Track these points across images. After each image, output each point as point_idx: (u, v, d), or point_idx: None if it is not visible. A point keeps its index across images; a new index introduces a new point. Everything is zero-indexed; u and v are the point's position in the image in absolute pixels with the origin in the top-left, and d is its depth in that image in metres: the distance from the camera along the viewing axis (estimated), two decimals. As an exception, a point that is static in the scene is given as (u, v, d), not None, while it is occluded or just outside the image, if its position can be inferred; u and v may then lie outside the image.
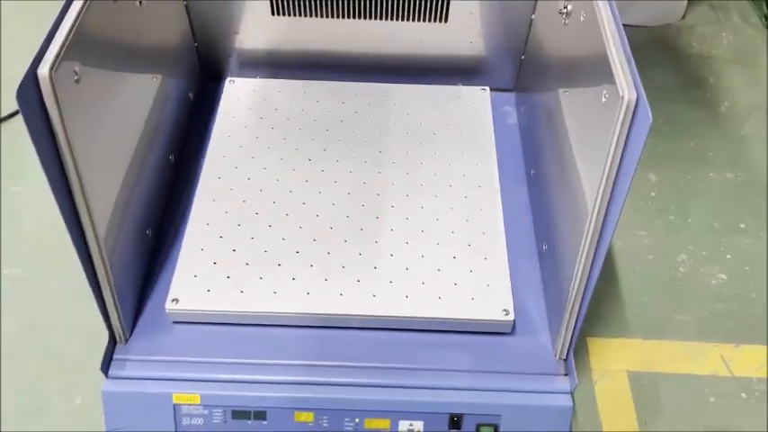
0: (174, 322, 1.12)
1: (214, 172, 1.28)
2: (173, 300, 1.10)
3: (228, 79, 1.46)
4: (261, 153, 1.32)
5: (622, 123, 0.84)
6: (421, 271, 1.15)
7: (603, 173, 0.88)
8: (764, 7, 2.07)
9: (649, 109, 0.79)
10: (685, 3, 2.07)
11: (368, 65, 1.48)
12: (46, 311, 1.34)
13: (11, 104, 1.69)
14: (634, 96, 0.82)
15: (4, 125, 1.67)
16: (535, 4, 1.36)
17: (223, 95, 1.43)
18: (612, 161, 0.86)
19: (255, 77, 1.51)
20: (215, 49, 1.47)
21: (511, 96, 1.53)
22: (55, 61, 0.82)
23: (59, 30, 0.86)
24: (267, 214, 1.22)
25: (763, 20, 2.08)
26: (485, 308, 1.11)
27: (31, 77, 0.80)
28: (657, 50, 1.98)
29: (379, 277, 1.14)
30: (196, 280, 1.12)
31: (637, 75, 0.84)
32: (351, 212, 1.23)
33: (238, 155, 1.31)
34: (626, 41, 0.89)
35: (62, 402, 1.22)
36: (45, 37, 0.85)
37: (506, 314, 1.10)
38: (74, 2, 0.90)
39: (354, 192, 1.26)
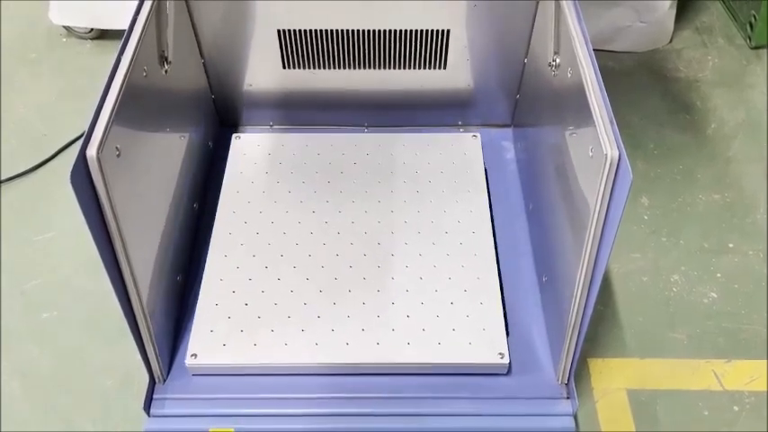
0: (194, 375, 1.20)
1: (225, 228, 1.37)
2: (192, 355, 1.19)
3: (234, 135, 1.55)
4: (268, 207, 1.40)
5: (606, 177, 0.94)
6: (421, 318, 1.23)
7: (593, 220, 0.98)
8: (748, 29, 2.17)
9: (630, 167, 0.89)
10: (672, 27, 2.16)
11: (375, 108, 1.58)
12: (82, 351, 1.44)
13: (16, 156, 1.80)
14: (616, 154, 0.92)
15: (35, 174, 1.78)
16: (527, 50, 1.47)
17: (230, 151, 1.51)
18: (600, 210, 0.96)
19: (269, 123, 1.61)
20: (231, 100, 1.57)
21: (508, 132, 1.63)
22: (101, 142, 0.92)
23: (102, 111, 0.97)
24: (276, 267, 1.30)
25: (748, 41, 2.17)
26: (482, 352, 1.19)
27: (81, 159, 0.91)
28: (645, 75, 2.07)
29: (382, 325, 1.22)
30: (212, 335, 1.21)
31: (618, 134, 0.94)
32: (354, 262, 1.31)
33: (247, 210, 1.40)
34: (608, 102, 0.99)
35: (103, 437, 1.32)
36: (90, 120, 0.95)
37: (501, 357, 1.19)
38: (113, 84, 1.01)
39: (356, 242, 1.35)
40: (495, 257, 1.33)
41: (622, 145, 0.92)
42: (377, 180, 1.46)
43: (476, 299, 1.26)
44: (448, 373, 1.20)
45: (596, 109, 0.98)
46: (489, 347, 1.19)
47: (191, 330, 1.26)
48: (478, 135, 1.56)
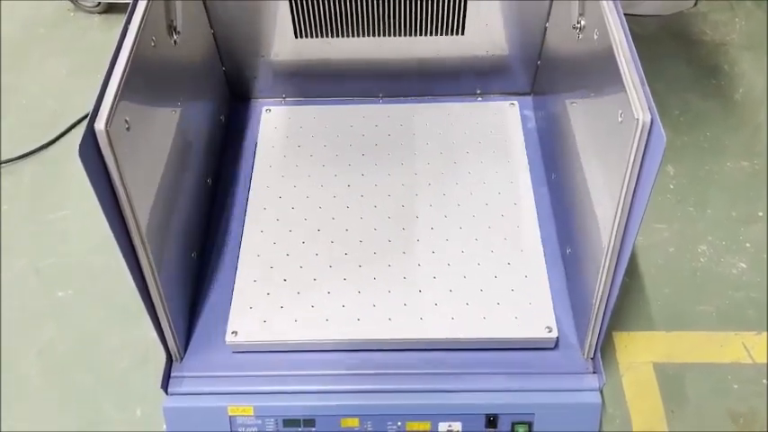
0: (234, 352, 1.18)
1: (260, 203, 1.34)
2: (232, 332, 1.16)
3: (265, 108, 1.51)
4: (302, 181, 1.37)
5: (638, 144, 0.89)
6: (464, 292, 1.19)
7: (622, 189, 0.93)
8: (777, -11, 2.08)
9: (663, 131, 0.84)
10: (697, -11, 2.08)
11: (391, 77, 1.53)
12: (98, 330, 1.43)
13: (24, 134, 1.77)
14: (648, 119, 0.87)
15: (47, 151, 1.76)
16: (549, 13, 1.41)
17: (261, 125, 1.48)
18: (630, 179, 0.92)
19: (281, 95, 1.57)
20: (242, 71, 1.53)
21: (528, 100, 1.58)
22: (109, 116, 0.89)
23: (110, 84, 0.93)
24: (313, 242, 1.27)
25: (776, 2, 2.09)
26: (528, 326, 1.15)
27: (90, 134, 0.87)
28: (670, 40, 1.99)
29: (424, 300, 1.18)
30: (252, 311, 1.18)
31: (650, 97, 0.89)
32: (392, 236, 1.27)
33: (281, 184, 1.37)
34: (638, 62, 0.94)
35: (122, 415, 1.31)
36: (98, 93, 0.91)
37: (549, 331, 1.15)
38: (120, 55, 0.97)
39: (394, 215, 1.30)
40: (538, 229, 1.28)
41: (655, 108, 0.87)
42: (412, 152, 1.42)
43: (520, 272, 1.22)
44: (493, 348, 1.16)
45: (626, 71, 0.93)
46: (536, 321, 1.15)
47: (206, 308, 1.24)
48: (516, 103, 1.51)
